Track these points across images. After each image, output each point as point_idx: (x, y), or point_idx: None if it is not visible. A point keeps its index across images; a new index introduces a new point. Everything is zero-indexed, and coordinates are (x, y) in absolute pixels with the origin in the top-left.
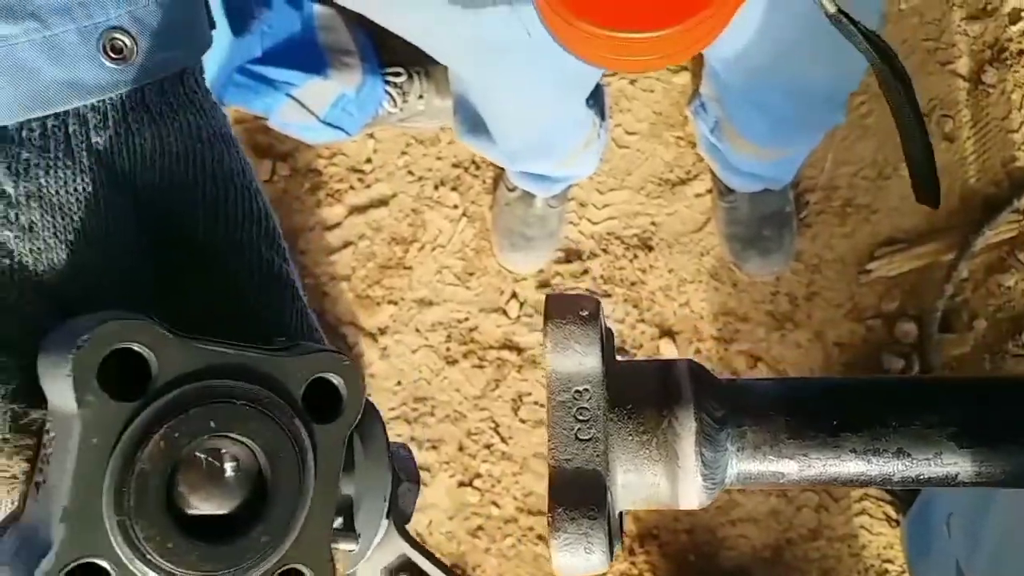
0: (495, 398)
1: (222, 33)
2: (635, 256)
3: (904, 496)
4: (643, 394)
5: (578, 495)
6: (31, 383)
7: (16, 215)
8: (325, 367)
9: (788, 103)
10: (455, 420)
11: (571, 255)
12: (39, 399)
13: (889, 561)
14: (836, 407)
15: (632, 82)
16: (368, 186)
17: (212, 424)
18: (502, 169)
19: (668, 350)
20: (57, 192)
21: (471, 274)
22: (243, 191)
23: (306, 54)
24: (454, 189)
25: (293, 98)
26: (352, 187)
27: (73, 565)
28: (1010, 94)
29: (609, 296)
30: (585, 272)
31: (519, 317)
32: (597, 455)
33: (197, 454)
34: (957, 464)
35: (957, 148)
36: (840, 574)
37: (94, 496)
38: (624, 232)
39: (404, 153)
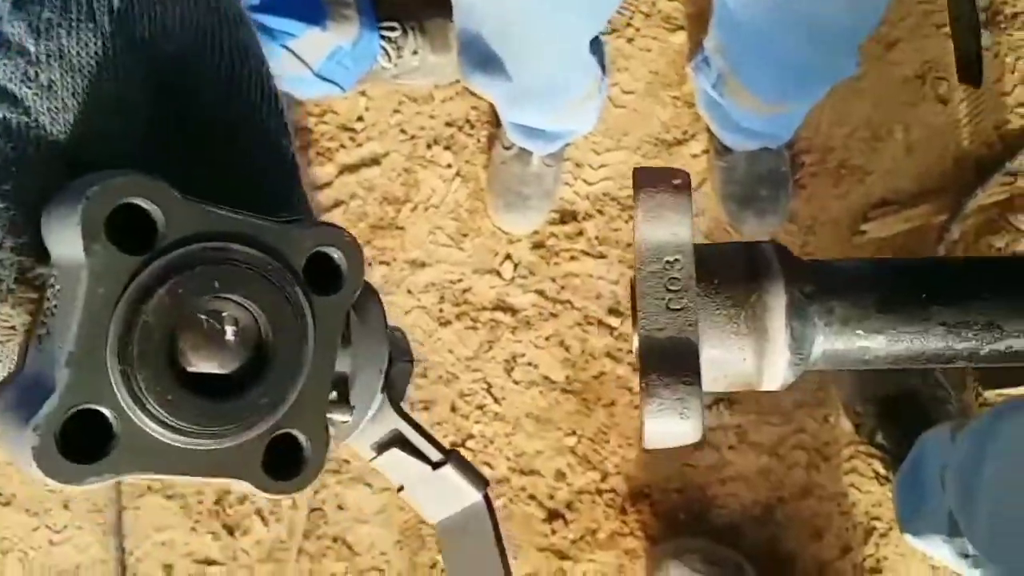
0: (488, 359)
1: None
2: (631, 217)
3: (895, 451)
4: (730, 269)
5: (672, 362)
6: (40, 240)
7: (36, 73)
8: (327, 240)
9: (800, 47)
10: (447, 381)
11: (566, 216)
12: (46, 257)
13: (877, 519)
14: (925, 281)
15: (629, 40)
16: (359, 145)
17: (216, 284)
18: (497, 127)
19: None
20: (78, 54)
21: (464, 235)
22: (257, 71)
23: (304, 3)
24: (447, 148)
25: (289, 49)
26: (343, 146)
27: (74, 411)
28: (1004, 57)
29: (604, 258)
30: (580, 233)
31: (513, 278)
32: (689, 324)
33: (199, 315)
34: None
35: (951, 110)
36: (830, 532)
37: (98, 344)
38: (620, 193)
39: (396, 111)
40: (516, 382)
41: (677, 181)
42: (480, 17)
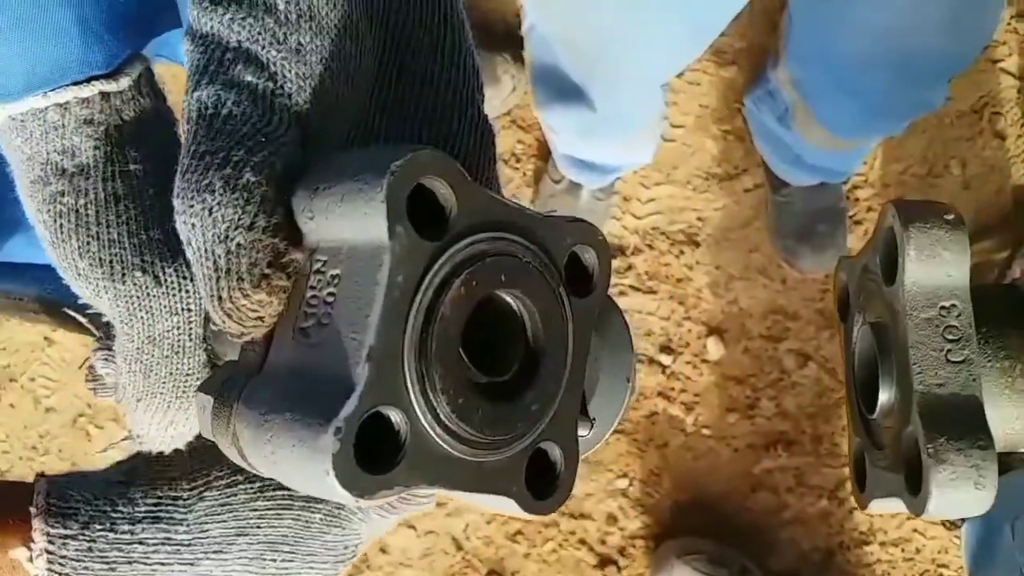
0: None
1: None
2: (681, 252)
3: None
4: (1001, 316)
5: (960, 423)
6: (291, 221)
7: (285, 35)
8: (585, 239)
9: (890, 82)
10: None
11: (615, 251)
12: (297, 240)
13: (944, 566)
14: None
15: (679, 75)
16: None
17: (503, 278)
18: (544, 161)
19: (715, 348)
20: (327, 14)
21: None
22: (469, 42)
23: None
24: (500, 116)
25: None
26: None
27: (369, 414)
28: None
29: (654, 293)
30: (629, 268)
31: None
32: (973, 379)
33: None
34: None
35: (1008, 146)
36: None
37: (397, 339)
38: (669, 227)
39: None
40: None
41: (950, 216)
42: (563, 50)
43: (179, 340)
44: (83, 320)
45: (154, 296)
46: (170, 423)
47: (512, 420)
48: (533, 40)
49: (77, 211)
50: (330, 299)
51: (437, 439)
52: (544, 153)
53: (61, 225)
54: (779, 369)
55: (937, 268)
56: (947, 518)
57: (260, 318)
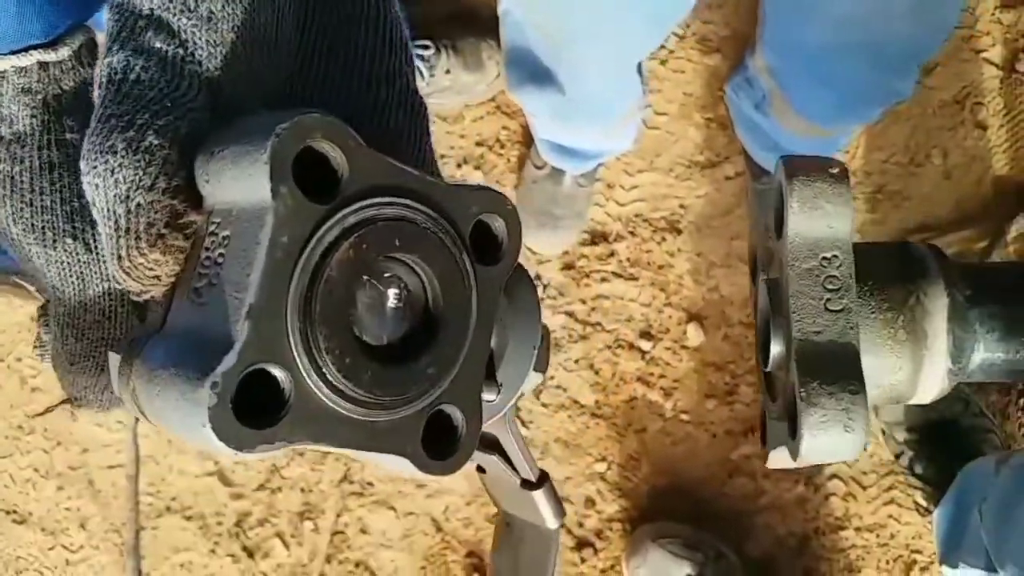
0: None
1: None
2: (663, 239)
3: (936, 482)
4: (885, 270)
5: (834, 368)
6: (191, 184)
7: (196, 3)
8: (492, 207)
9: (859, 69)
10: None
11: (597, 237)
12: (197, 204)
13: (918, 551)
14: None
15: (663, 62)
16: None
17: (397, 242)
18: (528, 147)
19: (695, 335)
20: None
21: None
22: (396, 14)
23: None
24: (477, 168)
25: None
26: None
27: (250, 370)
28: None
29: (636, 280)
30: (612, 255)
31: (543, 299)
32: (850, 327)
33: (365, 277)
34: None
35: (990, 136)
36: (868, 565)
37: (279, 298)
38: (652, 214)
39: None
40: (545, 405)
41: (835, 170)
42: (534, 33)
43: (110, 306)
44: (30, 288)
45: (84, 262)
46: (105, 386)
47: (405, 382)
48: (507, 23)
49: (12, 178)
50: (220, 260)
51: (324, 398)
52: (529, 139)
53: None
54: None
55: (819, 220)
56: (823, 461)
57: (156, 277)
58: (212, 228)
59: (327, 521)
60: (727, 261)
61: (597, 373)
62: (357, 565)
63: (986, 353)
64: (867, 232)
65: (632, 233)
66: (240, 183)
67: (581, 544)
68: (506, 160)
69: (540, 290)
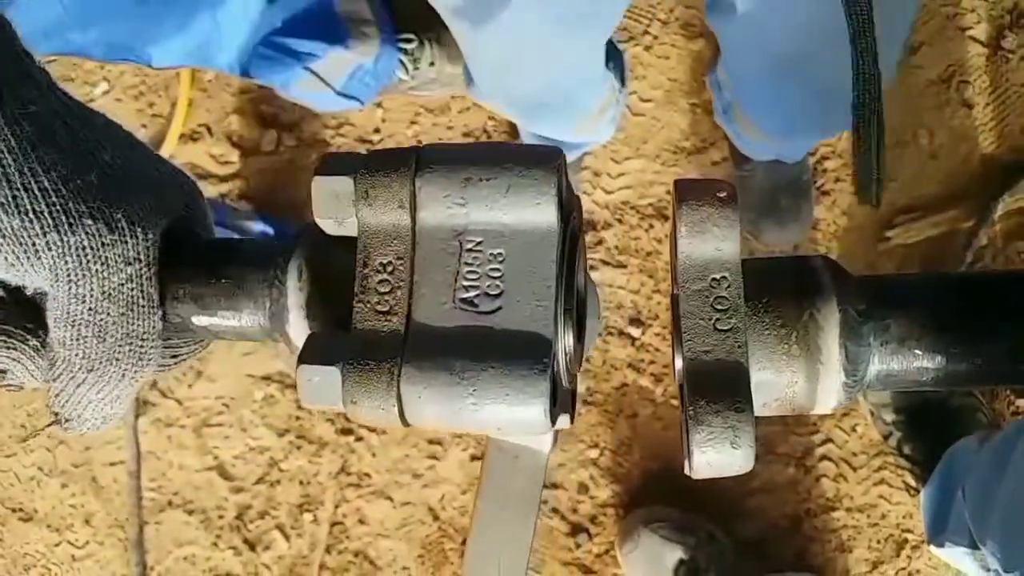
0: None
1: (252, 3)
2: (650, 226)
3: (925, 462)
4: (779, 287)
5: (721, 387)
6: None
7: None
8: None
9: (796, 101)
10: None
11: (585, 225)
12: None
13: (909, 531)
14: (989, 296)
15: (647, 48)
16: None
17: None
18: (514, 138)
19: None
20: None
21: None
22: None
23: (325, 24)
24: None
25: (311, 71)
26: None
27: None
28: None
29: (624, 267)
30: (600, 243)
31: None
32: (739, 345)
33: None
34: None
35: (976, 115)
36: (860, 545)
37: (557, 300)
38: (639, 201)
39: (413, 123)
40: None
41: (722, 193)
42: (483, 56)
43: (133, 295)
44: None
45: (108, 244)
46: (116, 398)
47: (581, 359)
48: (459, 42)
49: None
50: (495, 274)
51: (567, 378)
52: (514, 130)
53: None
54: None
55: (707, 243)
56: (713, 476)
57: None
58: (470, 246)
59: (326, 512)
60: None
61: (587, 360)
62: (356, 555)
63: (880, 365)
64: (855, 214)
65: (620, 220)
66: (519, 209)
67: (576, 529)
68: None
69: None
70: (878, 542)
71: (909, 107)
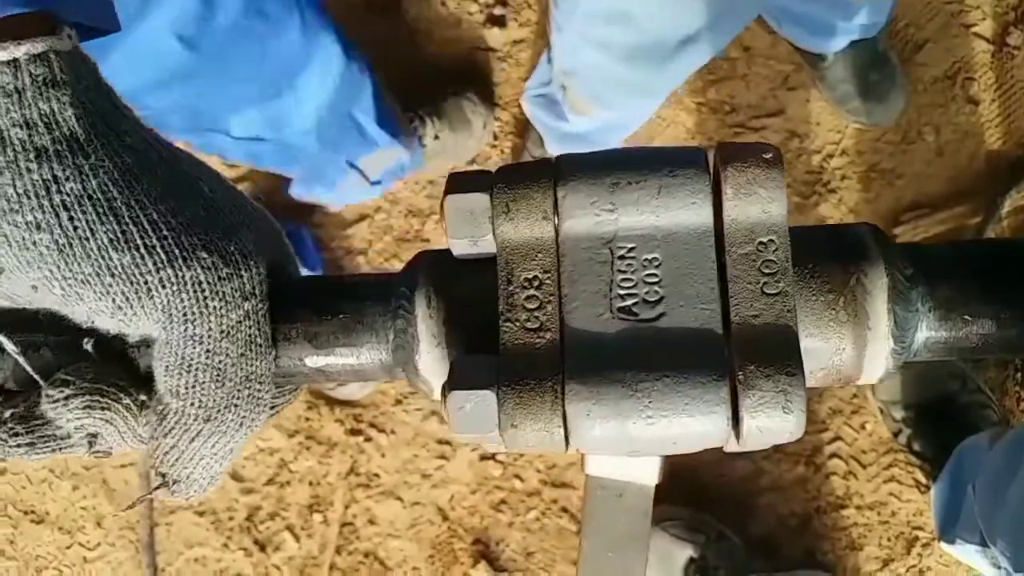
0: None
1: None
2: None
3: (934, 459)
4: (825, 252)
5: (772, 350)
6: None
7: None
8: None
9: None
10: None
11: None
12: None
13: (919, 528)
14: None
15: None
16: None
17: None
18: (522, 138)
19: None
20: None
21: None
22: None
23: (393, 119)
24: (471, 161)
25: (355, 167)
26: None
27: None
28: None
29: None
30: None
31: None
32: (788, 310)
33: None
34: None
35: (981, 111)
36: (870, 542)
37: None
38: None
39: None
40: None
41: (768, 155)
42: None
43: (251, 333)
44: (14, 351)
45: (224, 278)
46: (228, 452)
47: None
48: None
49: (90, 196)
50: (652, 280)
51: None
52: (520, 129)
53: (70, 219)
54: None
55: (754, 205)
56: (765, 444)
57: None
58: (622, 252)
59: (336, 513)
60: None
61: None
62: (366, 555)
63: (928, 332)
64: (862, 211)
65: None
66: (673, 211)
67: None
68: (500, 151)
69: None
70: (888, 540)
71: (915, 104)
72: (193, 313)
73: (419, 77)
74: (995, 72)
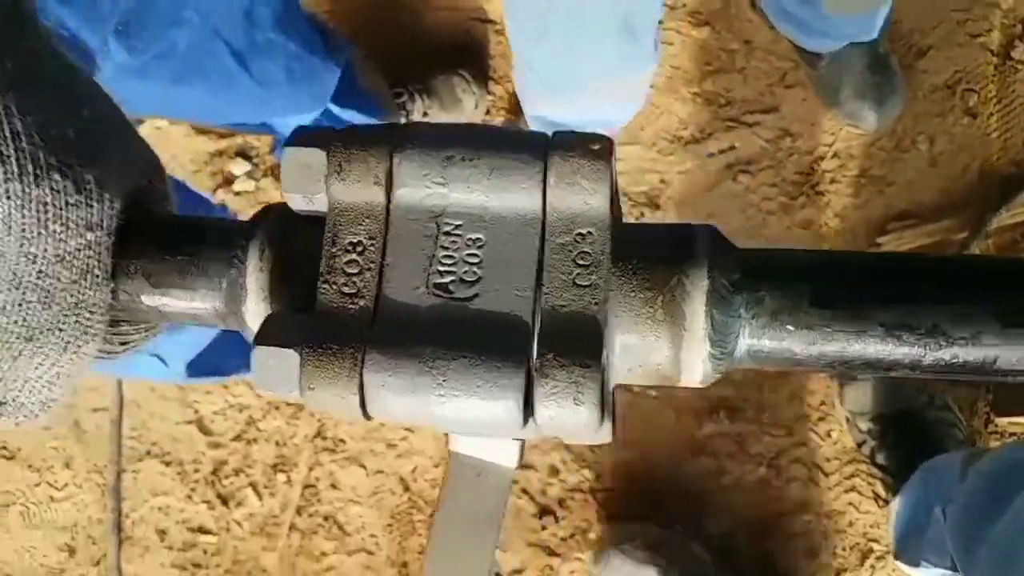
0: None
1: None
2: (641, 214)
3: (896, 473)
4: (652, 251)
5: (571, 341)
6: None
7: None
8: None
9: None
10: None
11: None
12: None
13: (875, 540)
14: (866, 278)
15: None
16: None
17: None
18: (514, 115)
19: None
20: None
21: None
22: None
23: (355, 99)
24: None
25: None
26: None
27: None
28: None
29: None
30: None
31: None
32: (595, 302)
33: None
34: (998, 347)
35: (979, 124)
36: (825, 551)
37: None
38: (632, 188)
39: None
40: None
41: (596, 146)
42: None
43: (89, 263)
44: None
45: (72, 204)
46: (55, 377)
47: None
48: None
49: None
50: (472, 259)
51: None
52: (512, 106)
53: None
54: None
55: (576, 196)
56: (561, 436)
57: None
58: (448, 229)
59: (299, 475)
60: None
61: None
62: (326, 519)
63: (751, 339)
64: (848, 217)
65: None
66: (502, 192)
67: (543, 511)
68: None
69: None
70: (844, 549)
71: (911, 111)
72: (31, 232)
73: (412, 49)
74: (996, 86)
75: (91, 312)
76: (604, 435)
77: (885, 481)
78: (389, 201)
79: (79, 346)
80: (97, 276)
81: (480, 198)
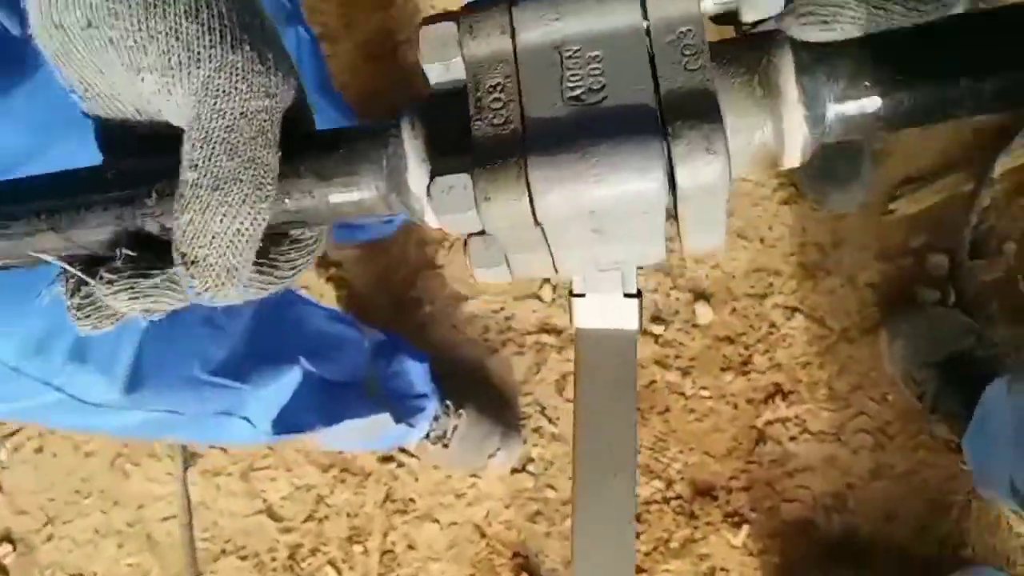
0: (538, 381)
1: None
2: None
3: (962, 414)
4: (739, 46)
5: (694, 108)
6: None
7: None
8: None
9: None
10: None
11: None
12: None
13: (953, 492)
14: (932, 35)
15: None
16: None
17: None
18: None
19: (704, 313)
20: None
21: None
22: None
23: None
24: None
25: None
26: None
27: None
28: None
29: (639, 268)
30: None
31: (554, 300)
32: (707, 79)
33: None
34: None
35: None
36: (906, 512)
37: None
38: None
39: None
40: (569, 400)
41: None
42: None
43: (264, 125)
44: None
45: (256, 72)
46: (237, 234)
47: None
48: None
49: None
50: (596, 72)
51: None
52: None
53: None
54: (768, 324)
55: (672, 4)
56: (700, 200)
57: None
58: (569, 54)
59: (375, 542)
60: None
61: None
62: None
63: (837, 104)
64: None
65: None
66: (608, 16)
67: None
68: None
69: (550, 291)
70: (922, 505)
71: None
72: (223, 89)
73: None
74: None
75: (265, 170)
76: (719, 234)
77: (953, 427)
78: (515, 45)
79: (255, 201)
80: (269, 138)
81: (591, 22)
